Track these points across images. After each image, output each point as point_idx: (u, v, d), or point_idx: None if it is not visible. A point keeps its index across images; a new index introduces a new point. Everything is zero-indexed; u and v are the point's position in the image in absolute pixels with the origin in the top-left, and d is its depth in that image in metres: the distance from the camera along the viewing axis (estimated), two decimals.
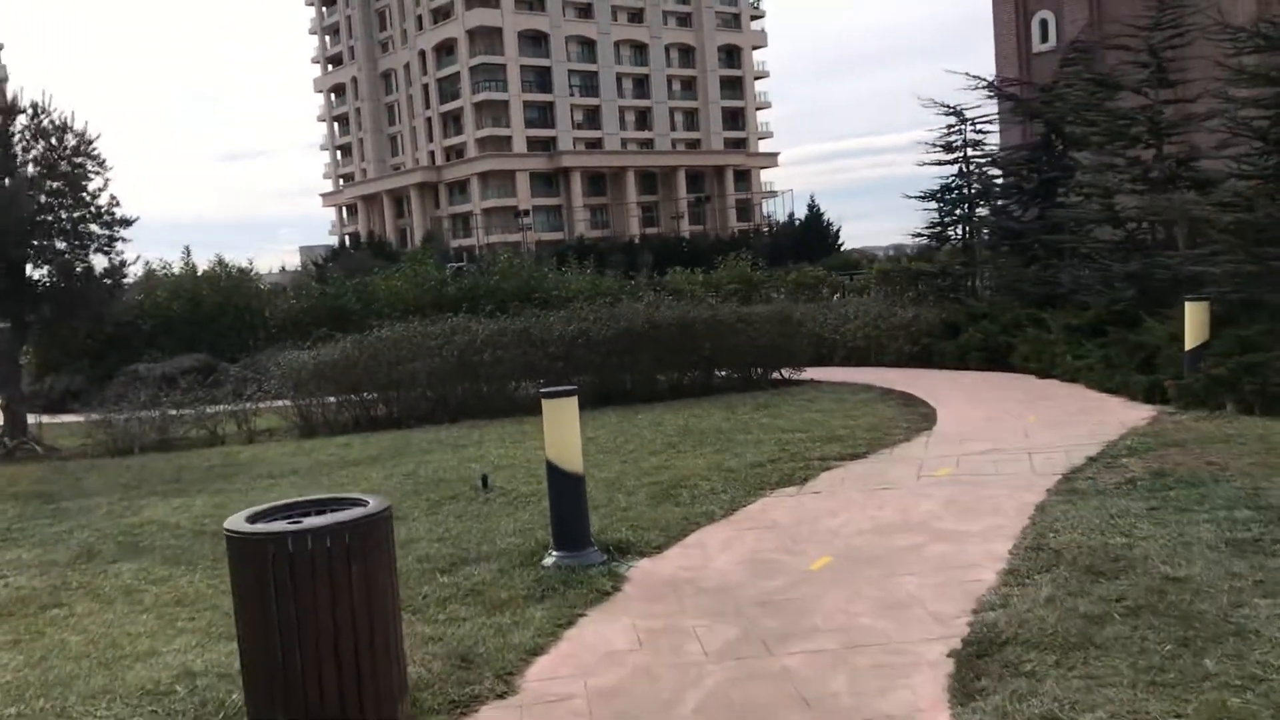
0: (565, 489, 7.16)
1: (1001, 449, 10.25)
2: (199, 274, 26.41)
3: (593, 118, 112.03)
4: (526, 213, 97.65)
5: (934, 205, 22.66)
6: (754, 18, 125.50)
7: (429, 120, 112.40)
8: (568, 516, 7.15)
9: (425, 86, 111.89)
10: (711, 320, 16.82)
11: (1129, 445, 9.74)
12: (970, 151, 22.39)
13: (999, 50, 53.67)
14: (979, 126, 22.68)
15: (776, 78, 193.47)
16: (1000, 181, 20.47)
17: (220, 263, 26.97)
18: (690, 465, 10.38)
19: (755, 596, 6.25)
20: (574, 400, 7.23)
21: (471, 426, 14.78)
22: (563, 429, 7.14)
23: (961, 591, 6.04)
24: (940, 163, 22.63)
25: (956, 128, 22.37)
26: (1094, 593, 5.75)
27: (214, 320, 24.38)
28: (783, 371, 17.75)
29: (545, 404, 7.21)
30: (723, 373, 17.62)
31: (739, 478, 9.59)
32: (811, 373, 18.02)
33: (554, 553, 7.14)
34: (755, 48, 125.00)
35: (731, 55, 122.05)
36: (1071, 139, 18.86)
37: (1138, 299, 15.08)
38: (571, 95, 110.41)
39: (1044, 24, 59.26)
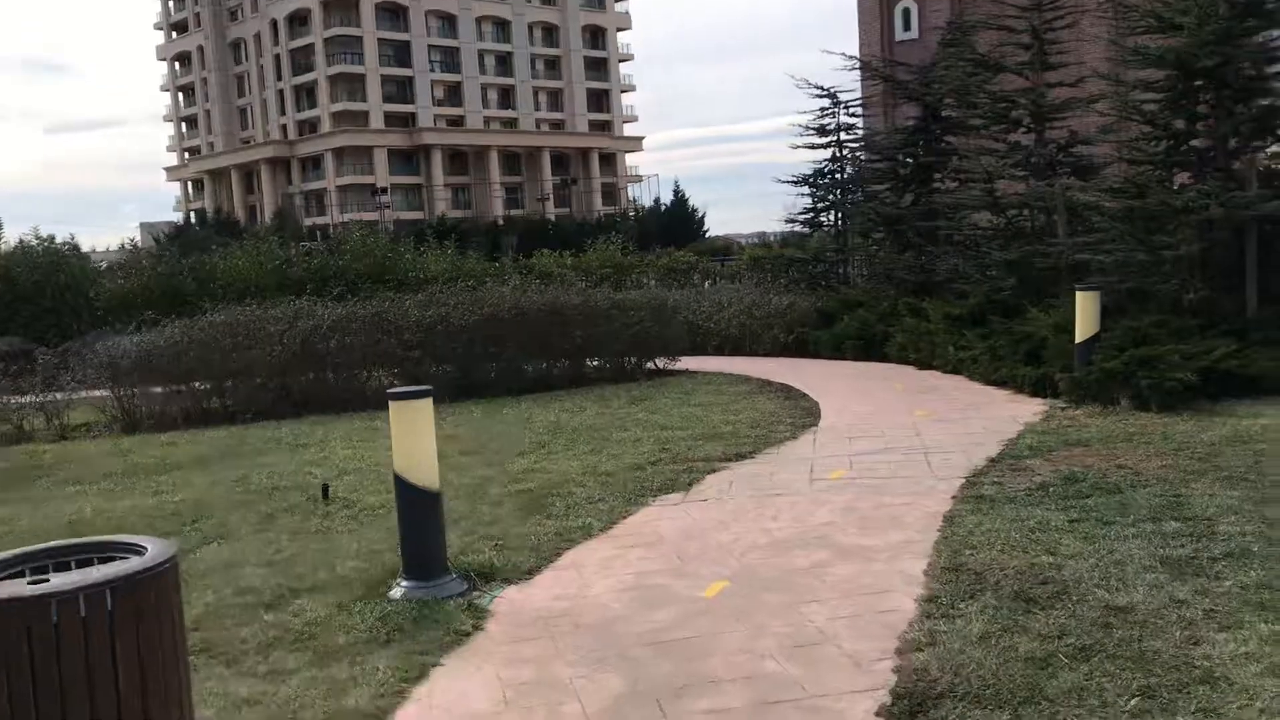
0: (417, 508, 6.06)
1: (894, 448, 9.55)
2: (9, 249, 24.05)
3: (454, 95, 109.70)
4: (384, 190, 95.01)
5: (807, 190, 22.17)
6: None
7: (281, 93, 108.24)
8: (419, 540, 6.06)
9: (277, 57, 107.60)
10: (584, 307, 15.83)
11: (1029, 444, 9.15)
12: (844, 136, 21.97)
13: (863, 40, 54.06)
14: (853, 110, 22.31)
15: (641, 61, 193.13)
16: (876, 166, 20.00)
17: (37, 237, 24.67)
18: (563, 468, 9.39)
19: (643, 634, 5.30)
20: (428, 403, 6.12)
21: (316, 422, 13.44)
22: (414, 437, 6.02)
23: (879, 625, 5.21)
24: (813, 146, 22.14)
25: (830, 110, 21.88)
26: (1032, 628, 4.99)
27: (30, 301, 22.16)
28: (657, 361, 16.88)
29: (393, 407, 6.08)
30: (595, 362, 16.67)
31: (618, 483, 8.64)
32: (686, 362, 17.21)
33: (403, 582, 6.04)
34: (620, 29, 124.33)
35: (596, 36, 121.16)
36: (949, 123, 18.49)
37: (1018, 288, 14.71)
38: (432, 71, 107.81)
39: (906, 13, 60.13)
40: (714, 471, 8.97)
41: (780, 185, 22.30)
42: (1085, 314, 11.36)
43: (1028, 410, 11.09)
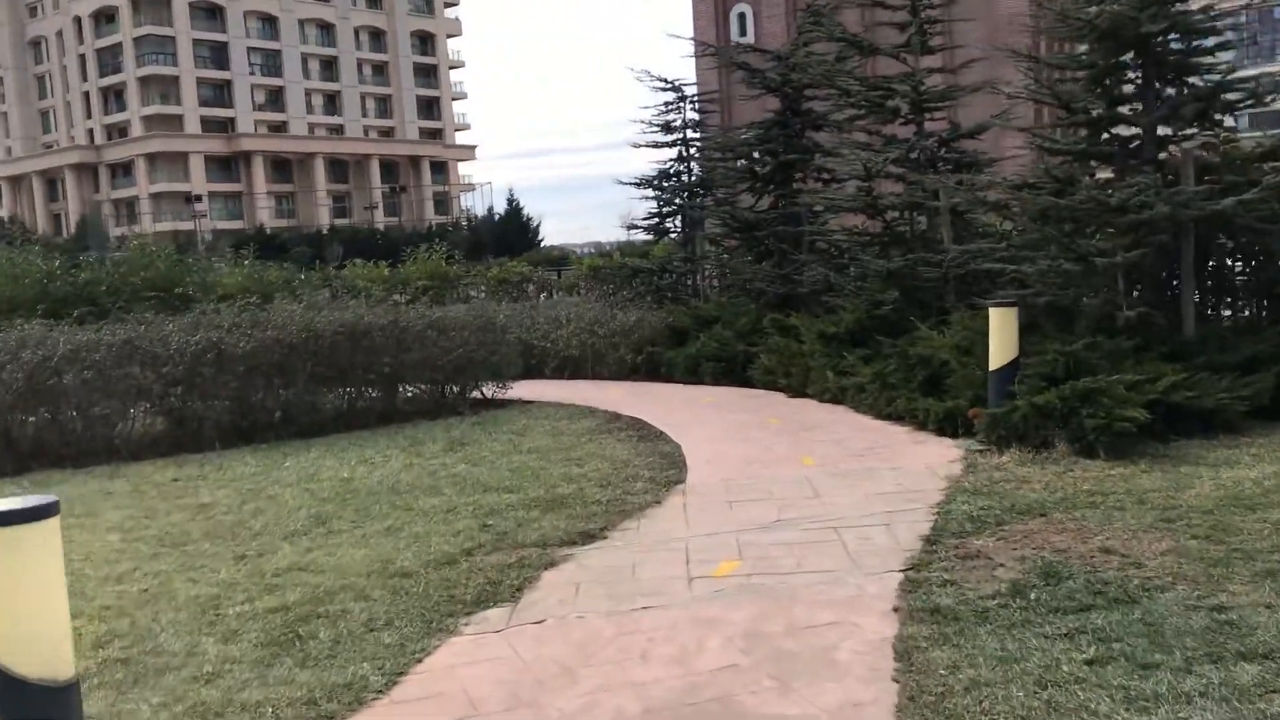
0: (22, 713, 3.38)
1: (792, 519, 7.25)
2: None
3: (276, 99, 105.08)
4: (199, 198, 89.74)
5: (651, 193, 19.91)
6: (448, 5, 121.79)
7: (87, 94, 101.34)
8: None
9: (82, 57, 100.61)
10: (393, 327, 13.09)
11: (968, 512, 6.96)
12: (690, 133, 19.83)
13: (697, 53, 52.57)
14: (699, 105, 20.19)
15: (475, 70, 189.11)
16: (735, 165, 17.87)
17: None
18: (343, 561, 6.73)
19: None
20: (50, 528, 3.45)
21: (39, 480, 10.34)
22: (18, 592, 3.34)
23: None
24: (657, 145, 19.91)
25: (675, 105, 19.70)
26: None
27: None
28: (484, 390, 14.26)
29: None
30: (411, 390, 13.95)
31: (417, 590, 6.05)
32: (521, 389, 14.65)
33: None
34: (450, 36, 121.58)
35: (425, 42, 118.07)
36: (812, 118, 16.50)
37: (901, 302, 12.74)
38: (252, 74, 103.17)
39: (742, 17, 59.18)
40: (553, 565, 6.46)
41: (618, 197, 19.98)
42: (1001, 335, 9.35)
43: (941, 456, 8.98)
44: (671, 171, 19.87)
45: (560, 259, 32.90)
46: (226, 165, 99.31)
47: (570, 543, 6.92)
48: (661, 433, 11.01)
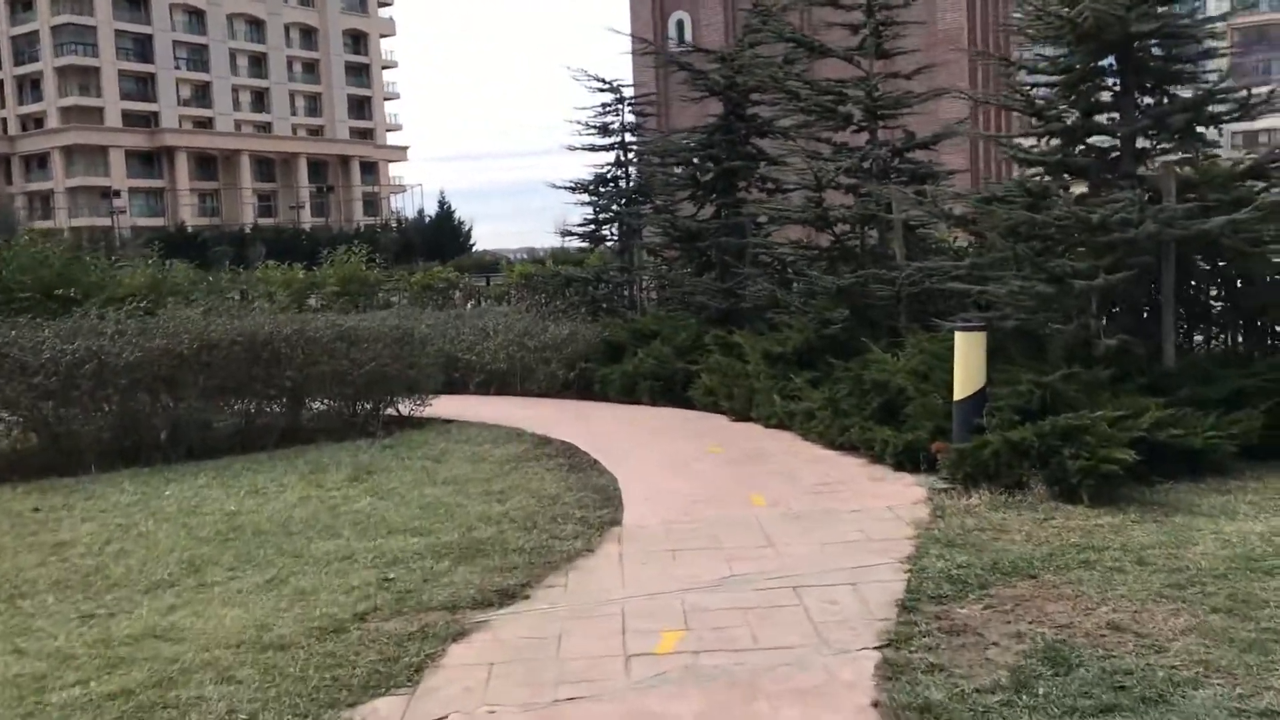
0: None
1: (744, 574, 6.27)
2: None
3: (202, 95, 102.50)
4: (117, 193, 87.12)
5: (587, 198, 18.92)
6: (382, 4, 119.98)
7: (0, 83, 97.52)
8: None
9: None
10: (297, 337, 11.89)
11: (945, 570, 6.04)
12: (629, 137, 18.88)
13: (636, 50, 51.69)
14: (638, 107, 19.25)
15: (409, 71, 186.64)
16: (675, 172, 16.92)
17: None
18: (209, 626, 5.61)
19: None
20: None
21: None
22: None
23: None
24: (594, 148, 18.92)
25: (612, 107, 18.75)
26: None
27: None
28: (401, 406, 13.12)
29: None
30: (321, 405, 12.75)
31: (292, 670, 4.96)
32: (442, 405, 13.52)
33: None
34: (384, 35, 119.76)
35: (358, 41, 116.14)
36: (757, 124, 15.62)
37: (851, 321, 11.88)
38: (177, 68, 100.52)
39: (680, 25, 58.49)
40: (463, 635, 5.40)
41: (554, 202, 18.94)
42: (968, 361, 8.49)
43: (903, 495, 8.08)
44: (608, 176, 18.91)
45: (492, 264, 31.69)
46: (149, 160, 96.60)
47: (485, 604, 5.87)
48: (595, 461, 9.99)
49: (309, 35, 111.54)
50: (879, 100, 12.28)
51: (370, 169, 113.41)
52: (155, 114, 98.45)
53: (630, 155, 18.81)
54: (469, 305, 22.21)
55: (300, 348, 11.82)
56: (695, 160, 16.42)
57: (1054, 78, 9.18)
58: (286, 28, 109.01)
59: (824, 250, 13.00)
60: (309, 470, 10.01)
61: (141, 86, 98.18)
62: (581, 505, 8.21)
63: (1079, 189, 9.31)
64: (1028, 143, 9.79)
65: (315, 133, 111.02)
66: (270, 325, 11.71)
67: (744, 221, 15.32)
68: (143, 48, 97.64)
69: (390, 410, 13.09)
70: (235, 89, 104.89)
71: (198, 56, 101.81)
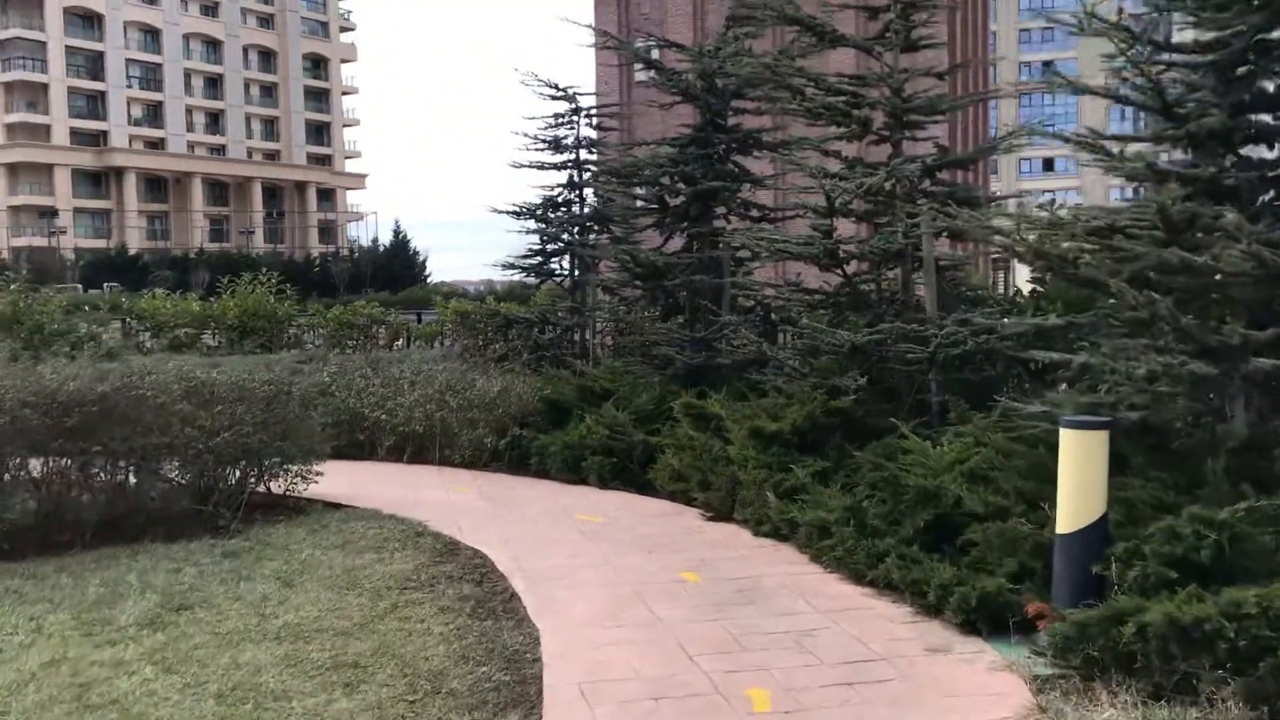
0: None
1: None
2: None
3: (155, 115, 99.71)
4: (55, 213, 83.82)
5: (533, 225, 15.92)
6: (344, 29, 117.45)
7: None
8: None
9: None
10: (123, 397, 8.70)
11: None
12: (586, 153, 15.93)
13: (600, 78, 48.88)
14: (599, 119, 16.32)
15: (369, 97, 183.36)
16: (637, 193, 13.93)
17: None
18: None
19: None
20: None
21: None
22: None
23: None
24: (543, 166, 15.97)
25: (567, 118, 15.81)
26: None
27: None
28: (272, 484, 9.93)
29: None
30: (170, 481, 9.54)
31: None
32: (336, 479, 10.37)
33: None
34: (345, 61, 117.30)
35: (318, 65, 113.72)
36: (739, 134, 12.69)
37: (870, 392, 8.92)
38: (129, 87, 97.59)
39: (648, 53, 55.82)
40: None
41: (519, 234, 15.93)
42: (1083, 476, 5.53)
43: (988, 688, 5.07)
44: (559, 200, 15.94)
45: (426, 300, 28.50)
46: (96, 180, 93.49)
47: None
48: (513, 594, 6.88)
49: (268, 58, 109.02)
50: (908, 103, 9.36)
51: (327, 196, 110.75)
52: (105, 133, 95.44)
53: (587, 175, 15.86)
54: (398, 345, 19.06)
55: (123, 411, 8.63)
56: (663, 180, 13.44)
57: (1194, 58, 6.25)
58: (245, 49, 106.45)
59: (830, 295, 10.02)
60: (95, 600, 6.81)
61: (92, 104, 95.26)
62: (476, 694, 5.10)
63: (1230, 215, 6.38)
64: (1128, 149, 6.86)
65: (271, 157, 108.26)
66: (74, 383, 8.48)
67: (721, 256, 12.38)
68: (94, 65, 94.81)
69: (261, 487, 9.93)
70: (190, 110, 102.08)
71: (151, 75, 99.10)
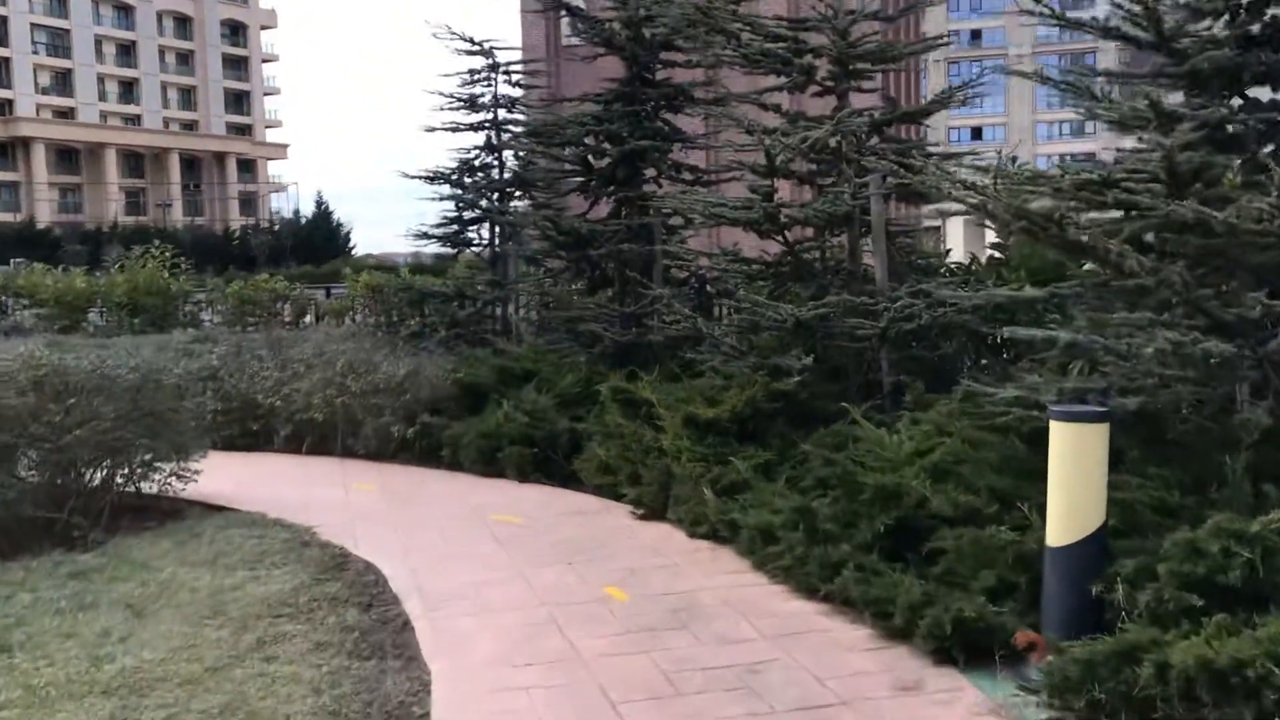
0: None
1: None
2: None
3: (64, 83, 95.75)
4: None
5: (448, 191, 14.72)
6: None
7: None
8: None
9: None
10: None
11: None
12: (506, 113, 14.74)
13: (526, 38, 47.25)
14: (522, 74, 15.12)
15: (291, 64, 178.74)
16: (561, 154, 12.77)
17: None
18: None
19: None
20: None
21: None
22: None
23: None
24: (456, 128, 14.77)
25: (484, 76, 14.61)
26: None
27: None
28: (142, 483, 8.72)
29: None
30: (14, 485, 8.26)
31: None
32: (222, 474, 9.21)
33: None
34: (265, 27, 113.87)
35: (237, 32, 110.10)
36: (668, 89, 11.61)
37: (816, 373, 7.96)
38: (35, 53, 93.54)
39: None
40: None
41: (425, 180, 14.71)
42: (1081, 477, 4.61)
43: None
44: (477, 164, 14.76)
45: (335, 273, 27.09)
46: (2, 152, 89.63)
47: None
48: (406, 624, 5.81)
49: (184, 24, 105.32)
50: (855, 49, 8.36)
51: (248, 167, 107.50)
52: (10, 102, 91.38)
53: (506, 136, 14.70)
54: (306, 322, 17.76)
55: None
56: (587, 140, 12.31)
57: None
58: (160, 15, 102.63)
59: (770, 265, 9.02)
60: None
61: None
62: None
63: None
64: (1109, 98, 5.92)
65: (189, 127, 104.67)
66: None
67: (652, 223, 11.33)
68: None
69: (131, 486, 8.72)
70: (101, 78, 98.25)
71: (60, 42, 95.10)
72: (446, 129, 14.68)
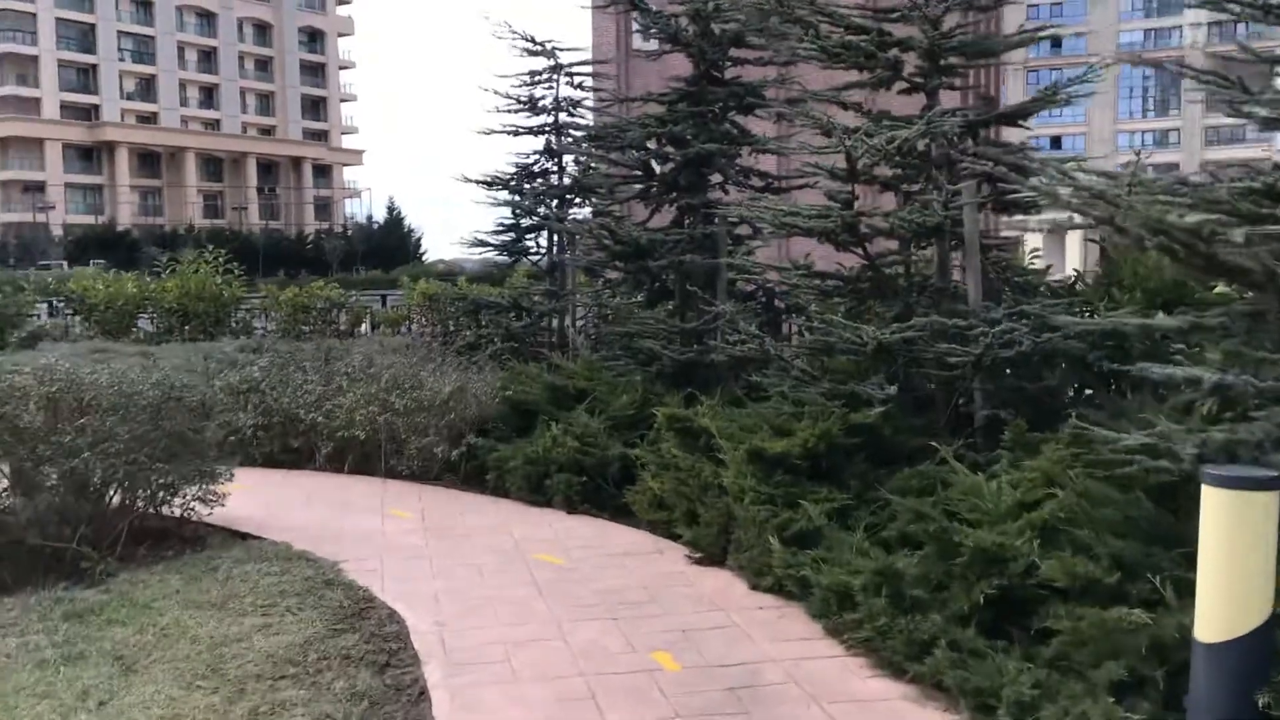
0: None
1: None
2: None
3: (148, 89, 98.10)
4: (40, 187, 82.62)
5: (506, 196, 14.00)
6: (340, 2, 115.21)
7: None
8: None
9: None
10: None
11: None
12: (566, 116, 13.99)
13: (596, 42, 46.58)
14: (580, 78, 14.34)
15: (369, 71, 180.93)
16: (623, 159, 11.96)
17: None
18: None
19: None
20: None
21: None
22: None
23: None
24: (517, 132, 14.05)
25: (545, 77, 13.88)
26: None
27: None
28: (164, 507, 8.10)
29: None
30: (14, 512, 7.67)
31: None
32: (252, 496, 8.60)
33: None
34: (341, 35, 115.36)
35: (315, 39, 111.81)
36: (738, 89, 10.75)
37: (898, 404, 7.06)
38: (122, 60, 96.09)
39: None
40: None
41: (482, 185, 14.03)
42: (1237, 558, 3.70)
43: None
44: (537, 169, 14.04)
45: (393, 281, 26.64)
46: (88, 155, 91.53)
47: None
48: (423, 693, 5.04)
49: (263, 31, 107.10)
50: (949, 40, 7.45)
51: (324, 172, 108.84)
52: (96, 107, 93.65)
53: (568, 140, 13.96)
54: (362, 330, 17.21)
55: None
56: (649, 144, 11.49)
57: None
58: (240, 22, 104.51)
59: (848, 280, 8.12)
60: None
61: (83, 78, 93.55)
62: None
63: None
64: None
65: (267, 132, 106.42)
66: None
67: (717, 232, 10.48)
68: (85, 38, 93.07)
69: (154, 509, 8.10)
70: (183, 84, 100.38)
71: (144, 49, 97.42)
72: (506, 132, 13.99)
